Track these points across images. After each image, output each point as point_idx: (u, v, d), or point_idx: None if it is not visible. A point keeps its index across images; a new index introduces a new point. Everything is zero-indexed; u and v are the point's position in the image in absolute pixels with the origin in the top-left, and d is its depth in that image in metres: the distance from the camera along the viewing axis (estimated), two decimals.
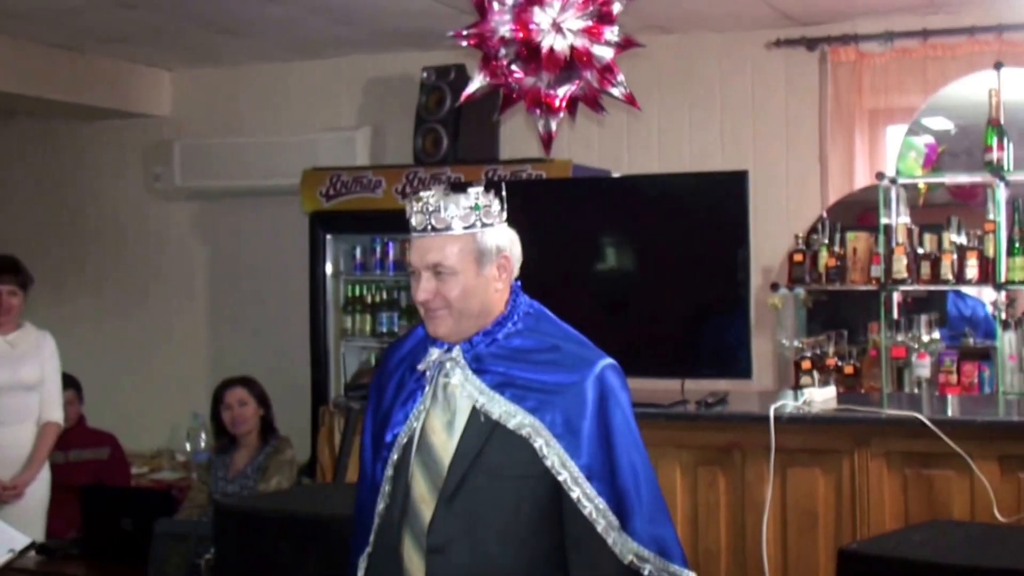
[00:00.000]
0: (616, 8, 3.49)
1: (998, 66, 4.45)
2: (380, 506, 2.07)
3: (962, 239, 4.65)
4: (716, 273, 3.58)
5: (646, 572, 1.99)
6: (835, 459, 3.21)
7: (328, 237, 5.42)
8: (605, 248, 3.74)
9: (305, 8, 5.00)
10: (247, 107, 6.25)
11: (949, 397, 4.20)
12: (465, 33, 3.40)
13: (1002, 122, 4.32)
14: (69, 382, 5.20)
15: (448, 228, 2.02)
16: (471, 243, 2.03)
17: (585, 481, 1.96)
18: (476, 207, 2.03)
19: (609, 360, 2.07)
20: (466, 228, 2.02)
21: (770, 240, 5.13)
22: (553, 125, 3.58)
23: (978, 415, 3.46)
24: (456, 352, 2.05)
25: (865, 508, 3.15)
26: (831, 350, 4.64)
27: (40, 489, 4.36)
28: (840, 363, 4.65)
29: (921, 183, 4.97)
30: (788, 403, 3.34)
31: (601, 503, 1.97)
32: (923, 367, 4.55)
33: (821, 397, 3.45)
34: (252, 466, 4.33)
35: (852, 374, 4.64)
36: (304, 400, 5.43)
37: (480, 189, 2.05)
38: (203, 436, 5.55)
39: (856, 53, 5.18)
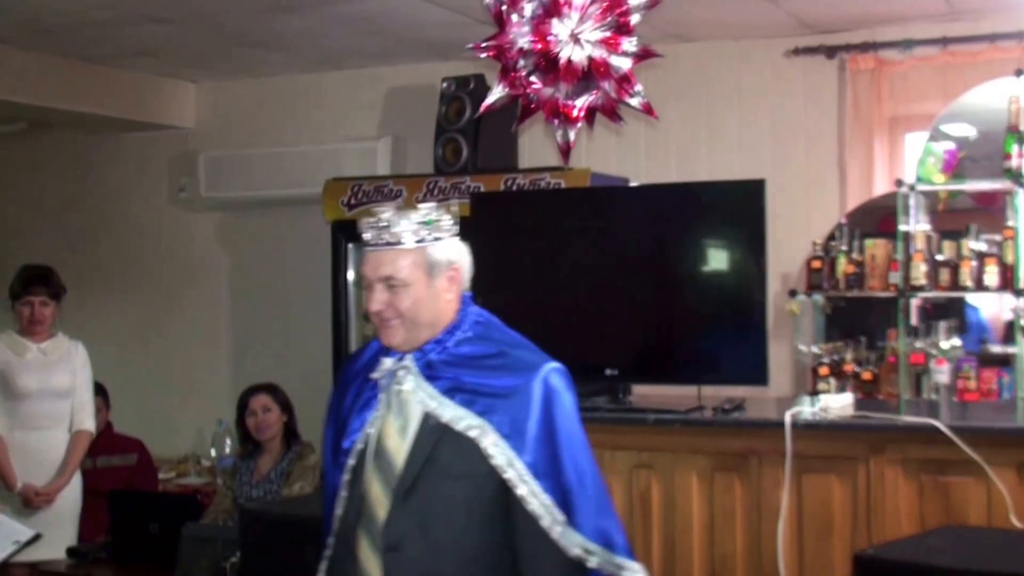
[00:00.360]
0: (634, 19, 3.53)
1: (1019, 73, 4.45)
2: (339, 511, 2.16)
3: (981, 245, 4.66)
4: (733, 281, 3.61)
5: (593, 564, 2.06)
6: (851, 465, 3.22)
7: (350, 246, 5.48)
8: (623, 256, 3.76)
9: (326, 20, 5.07)
10: (270, 118, 6.33)
11: (967, 403, 4.21)
12: (484, 45, 3.45)
13: (1021, 129, 4.33)
14: (97, 389, 5.28)
15: (399, 242, 2.11)
16: (422, 256, 2.12)
17: (531, 479, 2.05)
18: (427, 222, 2.13)
19: (555, 364, 2.16)
20: (417, 242, 2.12)
21: (789, 247, 5.15)
22: (571, 135, 3.62)
23: (995, 422, 3.47)
24: (408, 360, 2.15)
25: (881, 514, 3.16)
26: (849, 356, 4.67)
27: (72, 495, 4.44)
28: (858, 369, 4.68)
29: (941, 190, 4.98)
30: (804, 410, 3.36)
31: (547, 499, 2.05)
32: (941, 373, 4.54)
33: (837, 404, 3.47)
34: (276, 471, 4.39)
35: (870, 380, 4.65)
36: (326, 406, 5.50)
37: (432, 205, 2.16)
38: (228, 442, 5.62)
39: (875, 61, 5.19)
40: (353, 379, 2.24)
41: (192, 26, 5.18)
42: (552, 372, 2.13)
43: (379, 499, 2.09)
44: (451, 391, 2.10)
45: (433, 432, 2.09)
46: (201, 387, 6.39)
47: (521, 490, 2.05)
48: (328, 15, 4.96)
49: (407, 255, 2.11)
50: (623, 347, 3.66)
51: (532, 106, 3.57)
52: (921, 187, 4.85)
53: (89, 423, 4.48)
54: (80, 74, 5.86)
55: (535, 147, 5.52)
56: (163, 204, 6.60)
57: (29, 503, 4.25)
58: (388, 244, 2.11)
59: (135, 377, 6.54)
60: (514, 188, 5.04)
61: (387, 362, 2.16)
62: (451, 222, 2.17)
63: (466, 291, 2.21)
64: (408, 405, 2.12)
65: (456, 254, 2.18)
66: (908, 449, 3.15)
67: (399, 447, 2.11)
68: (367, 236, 2.14)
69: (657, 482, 3.44)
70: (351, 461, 2.15)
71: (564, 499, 2.06)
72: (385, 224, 2.11)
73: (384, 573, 2.06)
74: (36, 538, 3.91)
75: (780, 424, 3.23)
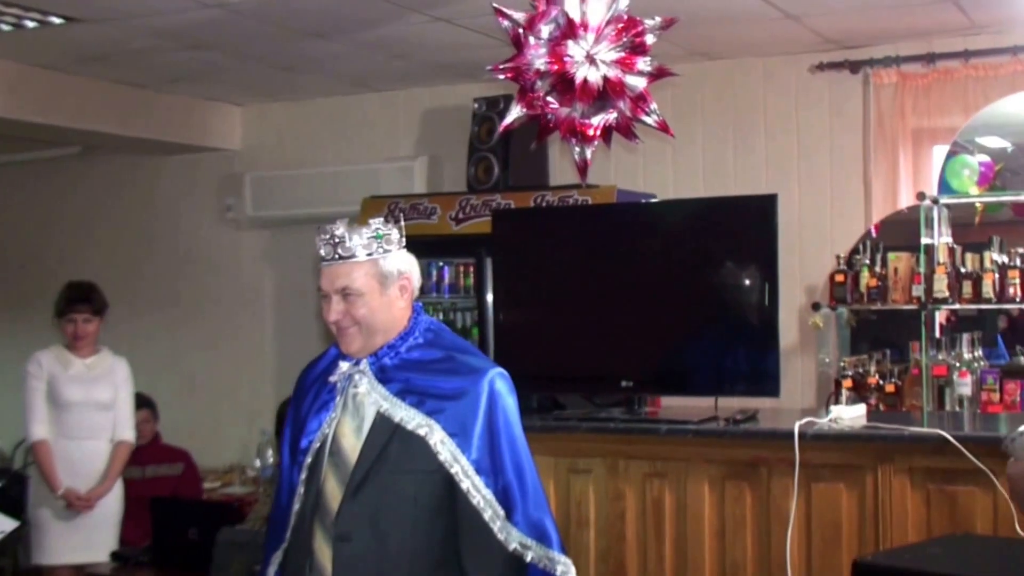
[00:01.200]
0: (649, 39, 3.63)
1: None
2: (296, 506, 2.31)
3: (1004, 258, 4.70)
4: (747, 294, 3.69)
5: (528, 557, 2.21)
6: (859, 475, 3.30)
7: None
8: (638, 270, 3.86)
9: (362, 45, 5.25)
10: (312, 139, 6.54)
11: (990, 415, 4.25)
12: (502, 67, 3.58)
13: None
14: (145, 402, 5.52)
15: (353, 256, 2.27)
16: (374, 268, 2.28)
17: (475, 474, 2.20)
18: (377, 236, 2.28)
19: (498, 369, 2.29)
20: (368, 255, 2.27)
21: (814, 260, 5.23)
22: (588, 153, 3.74)
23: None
24: (363, 364, 2.30)
25: (888, 522, 3.23)
26: (873, 369, 4.74)
27: (113, 503, 4.63)
28: (881, 382, 4.74)
29: (977, 202, 5.01)
30: (814, 420, 3.44)
31: (488, 494, 2.20)
32: (964, 385, 4.61)
33: (849, 415, 3.54)
34: None
35: (893, 392, 4.71)
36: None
37: (380, 220, 2.32)
38: (270, 452, 5.80)
39: (899, 75, 5.24)
40: (312, 384, 2.39)
41: (233, 53, 5.40)
42: (496, 376, 2.27)
43: (333, 493, 2.24)
44: (402, 393, 2.25)
45: (385, 431, 2.24)
46: (246, 399, 6.59)
47: (465, 484, 2.19)
48: (358, 40, 5.14)
49: (360, 267, 2.26)
50: (638, 360, 3.77)
51: (550, 125, 3.70)
52: (946, 200, 4.91)
53: (129, 434, 4.68)
54: (131, 100, 6.11)
55: (565, 165, 5.64)
56: (210, 223, 6.83)
57: (71, 506, 4.45)
58: (342, 258, 2.26)
59: (183, 389, 6.77)
60: (543, 205, 5.17)
61: (344, 366, 2.32)
62: (399, 236, 2.32)
63: (416, 301, 2.37)
64: (363, 406, 2.28)
65: (406, 265, 2.33)
66: (916, 459, 3.22)
67: (354, 446, 2.26)
68: (322, 252, 2.29)
69: (670, 490, 3.54)
70: (308, 459, 2.30)
71: (504, 496, 2.21)
72: (339, 239, 2.26)
73: (334, 562, 2.21)
74: (19, 528, 4.16)
75: (789, 434, 3.32)
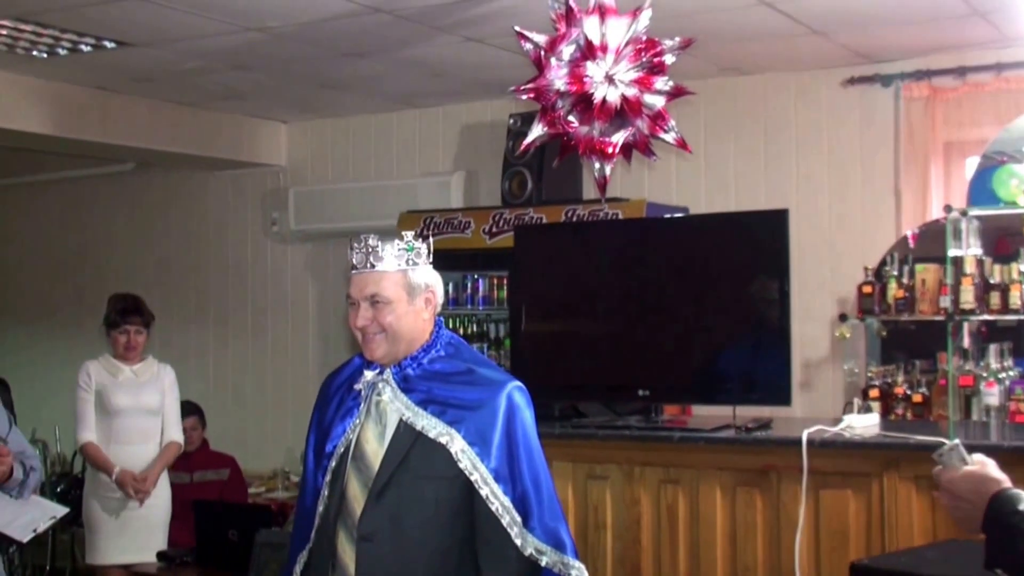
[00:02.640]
0: (668, 59, 3.73)
1: None
2: (320, 508, 2.42)
3: None
4: (760, 306, 3.77)
5: (544, 563, 2.30)
6: (865, 482, 3.36)
7: None
8: (655, 283, 3.96)
9: (400, 64, 5.42)
10: (353, 155, 6.73)
11: (1018, 425, 4.26)
12: (524, 87, 3.71)
13: None
14: (193, 409, 5.72)
15: (384, 265, 2.38)
16: (403, 278, 2.39)
17: (493, 482, 2.30)
18: (408, 248, 2.40)
19: (516, 382, 2.39)
20: (399, 266, 2.38)
21: (845, 272, 5.27)
22: (607, 170, 3.85)
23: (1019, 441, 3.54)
24: (387, 374, 2.41)
25: (894, 528, 3.29)
26: (900, 379, 4.77)
27: (162, 505, 4.82)
28: (909, 392, 4.77)
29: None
30: (824, 429, 3.50)
31: (507, 501, 2.30)
32: (991, 396, 4.62)
33: (862, 423, 3.60)
34: None
35: (921, 402, 4.74)
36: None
37: (411, 234, 2.44)
38: None
39: (929, 88, 5.27)
40: (336, 391, 2.51)
41: (277, 72, 5.60)
42: (514, 390, 2.37)
43: (356, 496, 2.35)
44: (424, 402, 2.36)
45: (407, 438, 2.35)
46: (291, 407, 6.78)
47: (484, 491, 2.29)
48: (395, 59, 5.31)
49: (390, 276, 2.38)
50: (655, 370, 3.86)
51: (572, 143, 3.82)
52: (975, 211, 4.92)
53: (178, 435, 4.88)
54: (181, 118, 6.35)
55: None
56: (256, 236, 7.05)
57: (123, 485, 4.63)
58: (373, 267, 2.39)
59: (230, 397, 6.99)
60: (573, 219, 5.28)
61: (368, 375, 2.42)
62: (427, 252, 2.44)
63: (438, 315, 2.48)
64: (386, 414, 2.39)
65: (432, 279, 2.44)
66: (921, 466, 3.26)
67: (376, 451, 2.37)
68: (355, 260, 2.41)
69: (683, 496, 3.63)
70: (333, 463, 2.41)
71: (521, 503, 2.31)
72: (372, 249, 2.39)
73: (357, 561, 2.32)
74: (68, 514, 4.34)
75: (798, 442, 3.39)
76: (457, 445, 2.31)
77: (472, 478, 2.30)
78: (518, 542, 2.29)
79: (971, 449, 3.09)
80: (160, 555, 4.60)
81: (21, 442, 3.49)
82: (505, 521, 2.29)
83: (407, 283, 2.39)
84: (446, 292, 5.77)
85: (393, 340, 2.39)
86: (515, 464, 2.32)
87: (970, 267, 4.75)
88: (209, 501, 4.99)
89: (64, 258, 7.81)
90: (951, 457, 1.76)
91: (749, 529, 3.51)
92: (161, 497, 4.82)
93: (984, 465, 1.81)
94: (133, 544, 4.69)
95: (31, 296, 7.95)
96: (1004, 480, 1.77)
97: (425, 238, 2.46)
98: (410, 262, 2.39)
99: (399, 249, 2.39)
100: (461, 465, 2.30)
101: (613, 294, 3.93)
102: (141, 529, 4.71)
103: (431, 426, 2.34)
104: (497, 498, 2.29)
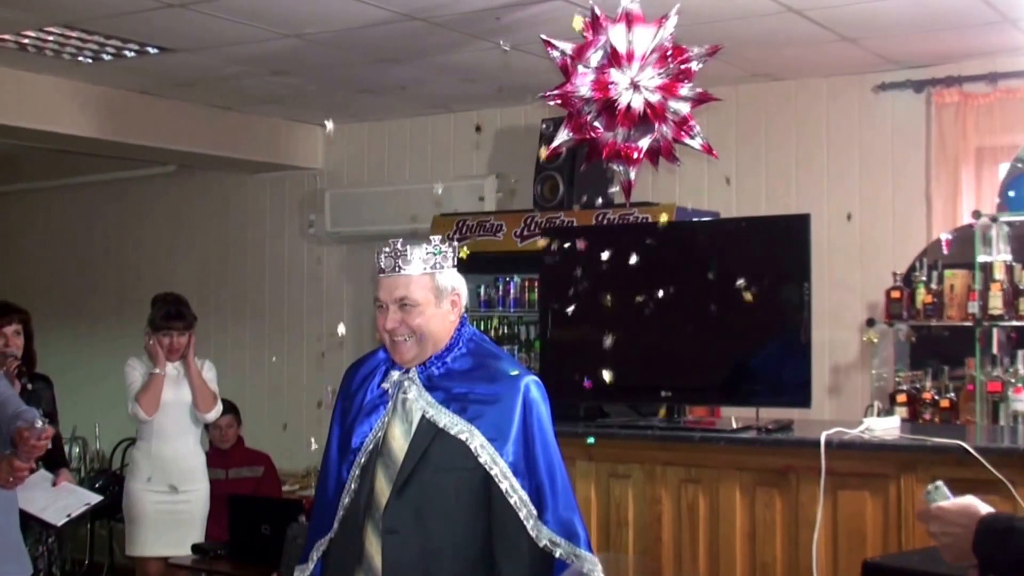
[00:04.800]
0: (694, 66, 3.78)
1: None
2: (345, 500, 2.48)
3: None
4: (781, 309, 3.82)
5: (557, 554, 2.37)
6: (882, 483, 3.40)
7: None
8: (680, 286, 3.99)
9: (435, 69, 5.52)
10: (389, 159, 6.84)
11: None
12: (550, 94, 3.78)
13: None
14: (229, 407, 5.82)
15: (412, 269, 2.44)
16: (430, 281, 2.46)
17: (512, 475, 2.37)
18: (436, 252, 2.46)
19: (533, 377, 2.46)
20: (426, 270, 2.45)
21: (876, 277, 5.28)
22: (632, 175, 3.91)
23: None
24: (413, 373, 2.48)
25: (910, 529, 3.32)
26: (928, 384, 4.79)
27: (200, 500, 4.95)
28: (936, 397, 4.79)
29: None
30: (843, 431, 3.54)
31: (524, 494, 2.36)
32: (1018, 401, 4.61)
33: (882, 426, 3.63)
34: None
35: (948, 408, 4.75)
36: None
37: (438, 239, 2.50)
38: None
39: (960, 94, 5.27)
40: (360, 384, 2.58)
41: (314, 77, 5.72)
42: (531, 383, 2.45)
43: (382, 490, 2.43)
44: (447, 401, 2.43)
45: (428, 433, 2.42)
46: (325, 406, 6.89)
47: (504, 485, 2.36)
48: (428, 65, 5.41)
49: (418, 280, 2.44)
50: (678, 371, 3.92)
51: (598, 148, 3.88)
52: (1005, 218, 4.93)
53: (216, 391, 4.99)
54: (221, 122, 6.49)
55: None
56: (293, 237, 7.18)
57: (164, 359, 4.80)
58: (401, 270, 2.46)
59: (267, 395, 7.11)
60: (604, 222, 5.34)
61: (395, 374, 2.50)
62: (453, 255, 2.51)
63: (464, 314, 2.54)
64: (411, 411, 2.46)
65: (457, 282, 2.51)
66: (937, 468, 3.29)
67: (402, 447, 2.44)
68: (382, 264, 2.48)
69: (704, 495, 3.69)
70: (362, 458, 2.48)
71: (537, 496, 2.38)
72: (400, 253, 2.46)
73: (383, 553, 2.39)
74: (102, 502, 4.54)
75: (816, 444, 3.44)
76: (477, 441, 2.38)
77: (492, 472, 2.37)
78: (533, 534, 2.36)
79: (986, 453, 3.15)
80: (195, 548, 4.71)
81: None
82: (522, 514, 2.36)
83: (435, 286, 2.46)
84: (478, 294, 6.05)
85: (421, 342, 2.45)
86: (531, 457, 2.39)
87: (999, 273, 4.75)
88: (244, 496, 5.10)
89: (104, 258, 7.98)
90: (936, 496, 1.85)
91: (768, 528, 3.56)
92: (200, 492, 4.93)
93: (969, 496, 1.89)
94: (172, 537, 4.80)
95: (73, 295, 8.13)
96: (992, 510, 1.85)
97: (451, 242, 2.52)
98: (437, 266, 2.46)
99: (426, 253, 2.45)
100: (481, 460, 2.37)
101: (638, 296, 3.98)
102: (180, 523, 4.83)
103: (452, 424, 2.41)
104: (516, 491, 2.36)
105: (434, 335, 2.46)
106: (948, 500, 1.85)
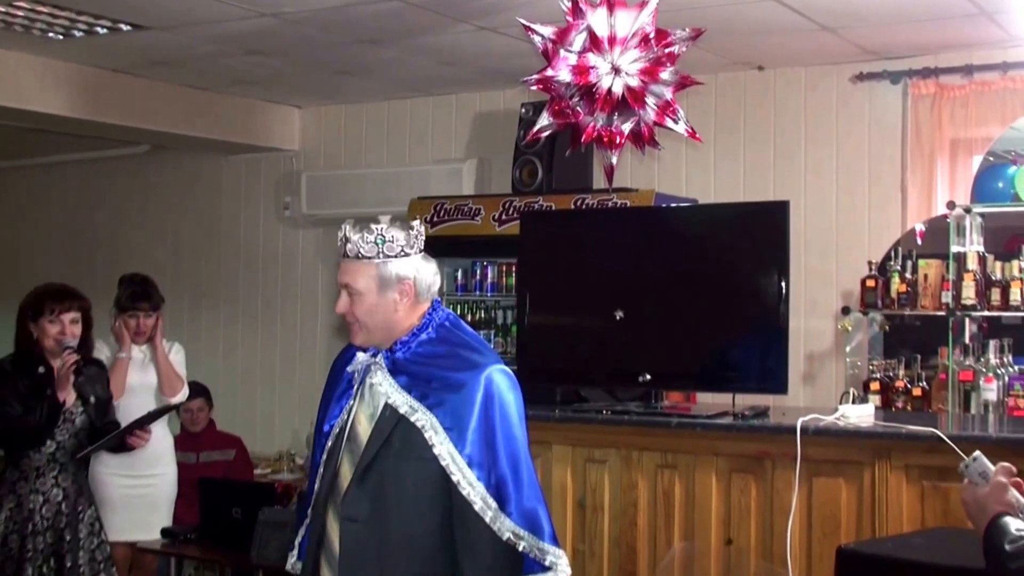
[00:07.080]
0: (677, 49, 3.77)
1: None
2: (316, 485, 2.46)
3: None
4: (759, 295, 3.82)
5: (521, 547, 2.30)
6: (857, 470, 3.41)
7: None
8: (657, 271, 4.01)
9: (414, 51, 5.48)
10: (366, 141, 6.80)
11: (1016, 419, 4.31)
12: (532, 78, 3.76)
13: None
14: (200, 390, 5.77)
15: (357, 256, 2.38)
16: (373, 271, 2.37)
17: (467, 468, 2.29)
18: (379, 241, 2.36)
19: (499, 365, 2.38)
20: (369, 258, 2.37)
21: (851, 265, 5.32)
22: (614, 159, 3.90)
23: (1014, 433, 3.59)
24: (379, 357, 2.43)
25: (884, 516, 3.34)
26: (901, 372, 4.82)
27: (168, 484, 4.87)
28: (909, 385, 4.82)
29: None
30: (819, 417, 3.56)
31: (480, 487, 2.29)
32: (989, 391, 4.66)
33: (857, 413, 3.65)
34: None
35: (920, 396, 4.79)
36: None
37: (384, 225, 2.38)
38: None
39: (936, 86, 5.30)
40: (341, 371, 2.53)
41: (291, 57, 5.67)
42: (495, 372, 2.36)
43: (346, 476, 2.38)
44: (409, 386, 2.37)
45: (390, 420, 2.36)
46: (298, 389, 6.86)
47: (456, 477, 2.28)
48: (409, 47, 5.37)
49: (361, 268, 2.37)
50: (655, 356, 3.92)
51: (581, 132, 3.86)
52: (978, 208, 4.96)
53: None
54: (195, 101, 6.42)
55: None
56: (269, 220, 7.13)
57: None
58: (348, 257, 2.38)
59: (238, 378, 7.07)
60: (582, 207, 5.34)
61: (361, 357, 2.45)
62: (404, 241, 2.38)
63: (434, 297, 2.46)
64: (377, 396, 2.41)
65: (410, 270, 2.39)
66: (911, 456, 3.33)
67: (366, 432, 2.40)
68: (338, 247, 2.42)
69: (679, 481, 3.69)
70: (329, 443, 2.44)
71: (498, 489, 2.31)
72: (346, 239, 2.38)
73: (341, 541, 2.36)
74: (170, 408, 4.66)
75: (792, 430, 3.45)
76: (433, 430, 2.32)
77: (444, 463, 2.29)
78: (494, 527, 2.29)
79: (959, 441, 3.18)
80: (164, 532, 4.66)
81: None
82: (477, 507, 2.29)
83: (378, 275, 2.37)
84: (455, 278, 6.02)
85: (367, 329, 2.41)
86: (492, 449, 2.32)
87: (972, 263, 4.79)
88: (214, 479, 5.05)
89: (78, 239, 7.90)
90: (972, 470, 1.87)
91: (743, 514, 3.56)
92: (168, 475, 4.87)
93: (997, 482, 1.95)
94: (139, 521, 4.72)
95: (45, 276, 7.92)
96: (1006, 503, 1.88)
97: (409, 228, 2.42)
98: (380, 254, 2.37)
99: (369, 241, 2.36)
100: (436, 451, 2.30)
101: (617, 281, 3.98)
102: (147, 507, 4.75)
103: (412, 410, 2.34)
104: (470, 484, 2.29)
105: (379, 324, 2.40)
106: (982, 478, 1.84)
